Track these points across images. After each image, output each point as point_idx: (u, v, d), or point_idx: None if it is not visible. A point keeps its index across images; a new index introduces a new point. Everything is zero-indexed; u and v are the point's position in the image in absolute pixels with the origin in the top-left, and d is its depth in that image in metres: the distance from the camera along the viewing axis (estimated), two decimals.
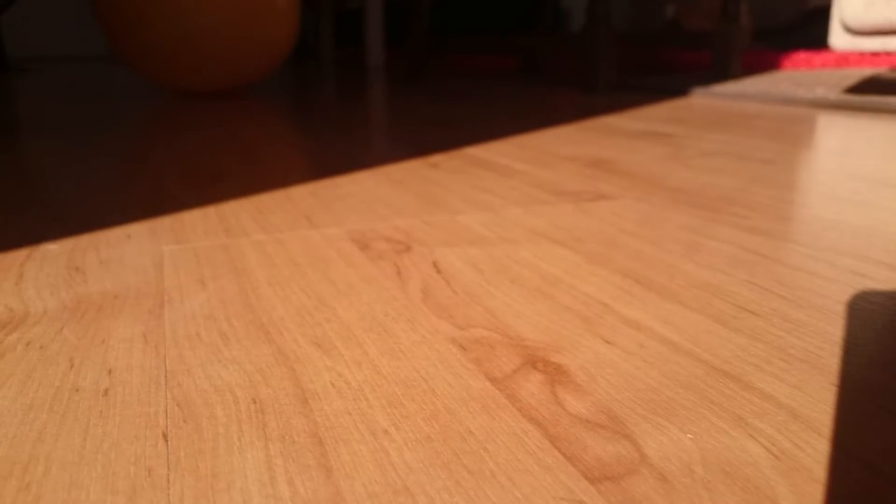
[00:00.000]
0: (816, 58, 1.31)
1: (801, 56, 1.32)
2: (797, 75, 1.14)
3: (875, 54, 1.26)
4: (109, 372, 0.19)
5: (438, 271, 0.27)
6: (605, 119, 0.72)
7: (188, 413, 0.17)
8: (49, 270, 0.28)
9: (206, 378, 0.19)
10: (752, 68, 1.33)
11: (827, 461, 0.14)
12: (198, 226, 0.34)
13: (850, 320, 0.21)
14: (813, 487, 0.13)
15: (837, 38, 1.15)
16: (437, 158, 0.51)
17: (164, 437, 0.16)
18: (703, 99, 0.94)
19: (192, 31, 0.98)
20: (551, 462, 0.14)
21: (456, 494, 0.14)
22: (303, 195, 0.40)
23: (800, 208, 0.34)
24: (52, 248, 0.31)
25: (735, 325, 0.21)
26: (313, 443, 0.15)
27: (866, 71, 1.17)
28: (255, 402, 0.17)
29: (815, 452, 0.15)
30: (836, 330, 0.20)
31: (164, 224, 0.35)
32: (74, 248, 0.31)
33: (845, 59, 1.28)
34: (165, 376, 0.19)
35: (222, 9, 0.98)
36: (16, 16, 2.54)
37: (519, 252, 0.28)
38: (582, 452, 0.15)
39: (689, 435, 0.15)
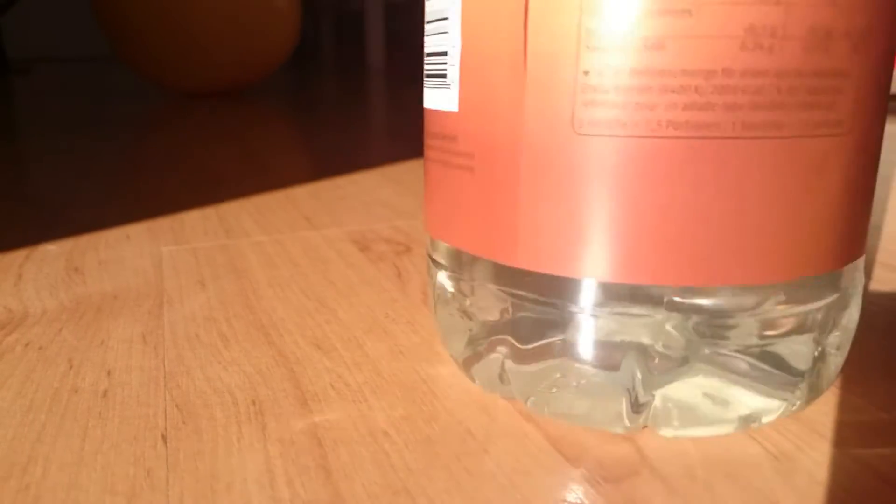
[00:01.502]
0: None
1: None
2: None
3: None
4: (108, 373, 0.19)
5: None
6: None
7: (187, 414, 0.17)
8: (48, 271, 0.28)
9: (206, 379, 0.19)
10: None
11: (828, 463, 0.14)
12: (197, 226, 0.34)
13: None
14: (814, 489, 0.13)
15: None
16: None
17: (164, 438, 0.16)
18: None
19: (193, 32, 0.98)
20: (552, 464, 0.14)
21: (456, 496, 0.13)
22: (303, 196, 0.40)
23: None
24: (51, 249, 0.31)
25: None
26: (313, 444, 0.15)
27: None
28: (254, 403, 0.17)
29: (816, 454, 0.15)
30: None
31: (164, 225, 0.35)
32: (73, 248, 0.31)
33: None
34: (165, 377, 0.19)
35: (222, 9, 0.98)
36: (16, 16, 2.54)
37: None
38: (583, 454, 0.15)
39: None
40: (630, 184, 0.14)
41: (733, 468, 0.14)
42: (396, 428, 0.16)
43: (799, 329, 0.15)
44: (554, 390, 0.15)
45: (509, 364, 0.16)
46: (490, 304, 0.16)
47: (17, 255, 0.30)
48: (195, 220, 0.35)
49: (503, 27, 0.14)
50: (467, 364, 0.17)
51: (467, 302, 0.17)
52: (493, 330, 0.16)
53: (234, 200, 0.40)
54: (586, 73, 0.13)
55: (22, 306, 0.24)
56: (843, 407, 0.16)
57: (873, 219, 0.32)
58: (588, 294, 0.15)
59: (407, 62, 1.77)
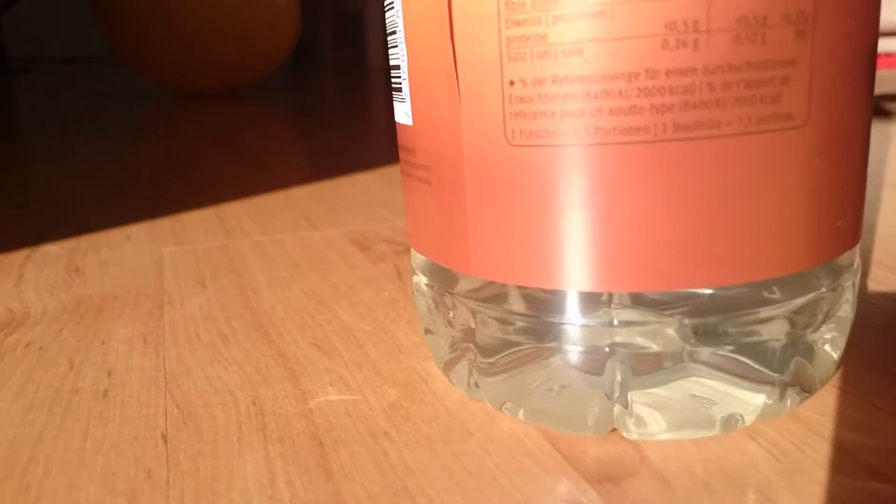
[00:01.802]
0: None
1: None
2: None
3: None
4: (109, 373, 0.19)
5: None
6: None
7: (188, 414, 0.17)
8: (49, 272, 0.28)
9: (206, 379, 0.19)
10: None
11: (827, 463, 0.14)
12: (197, 227, 0.34)
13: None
14: (813, 489, 0.13)
15: None
16: None
17: (164, 438, 0.16)
18: None
19: (193, 32, 0.98)
20: (552, 464, 0.14)
21: (456, 495, 0.14)
22: (303, 196, 0.40)
23: None
24: (52, 250, 0.31)
25: None
26: (313, 444, 0.15)
27: None
28: (254, 403, 0.17)
29: (816, 454, 0.15)
30: None
31: (164, 225, 0.35)
32: (74, 249, 0.31)
33: None
34: (165, 378, 0.19)
35: (222, 9, 0.98)
36: (16, 16, 2.54)
37: None
38: (582, 454, 0.15)
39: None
40: (566, 192, 0.13)
41: (733, 468, 0.14)
42: (396, 428, 0.16)
43: (777, 324, 0.15)
44: (535, 395, 0.15)
45: (476, 370, 0.16)
46: (461, 311, 0.16)
47: (18, 256, 0.30)
48: (195, 221, 0.36)
49: (435, 39, 0.14)
50: (447, 368, 0.17)
51: (448, 311, 0.17)
52: (465, 337, 0.16)
53: (234, 201, 0.40)
54: (511, 83, 0.13)
55: (23, 307, 0.24)
56: (842, 407, 0.16)
57: (868, 218, 0.32)
58: (555, 303, 0.15)
59: None
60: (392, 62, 0.17)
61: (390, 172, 0.47)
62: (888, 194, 0.37)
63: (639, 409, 0.15)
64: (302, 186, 0.43)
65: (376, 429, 0.16)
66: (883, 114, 0.65)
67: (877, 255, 0.27)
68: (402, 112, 0.17)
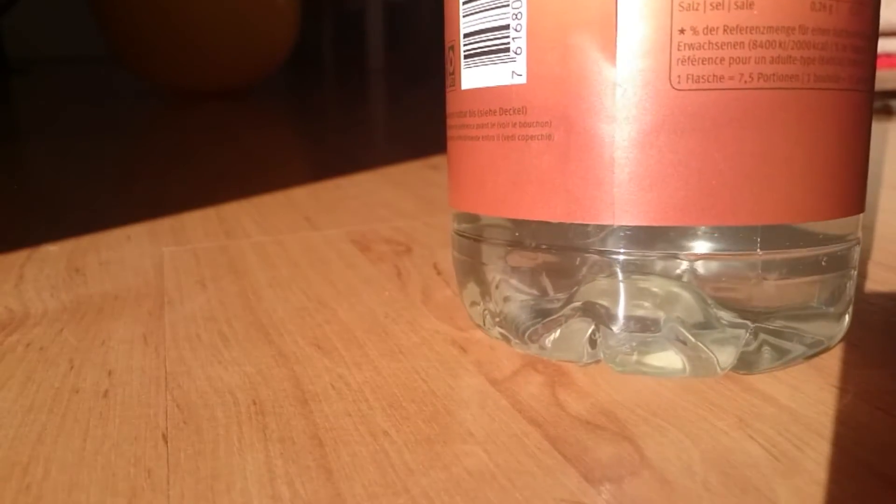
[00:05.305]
0: None
1: None
2: None
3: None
4: (109, 373, 0.19)
5: (439, 273, 0.27)
6: None
7: (188, 415, 0.17)
8: (49, 272, 0.28)
9: (207, 379, 0.19)
10: None
11: (827, 463, 0.14)
12: (198, 227, 0.34)
13: (850, 320, 0.21)
14: (813, 489, 0.13)
15: None
16: (438, 160, 0.52)
17: (164, 438, 0.16)
18: None
19: (192, 32, 0.98)
20: (552, 464, 0.14)
21: (456, 496, 0.14)
22: (303, 196, 0.41)
23: None
24: (53, 250, 0.31)
25: None
26: (313, 444, 0.15)
27: None
28: (255, 403, 0.17)
29: (816, 454, 0.15)
30: None
31: (164, 225, 0.35)
32: (74, 249, 0.31)
33: None
34: (165, 378, 0.19)
35: (222, 9, 0.98)
36: (16, 16, 2.54)
37: None
38: (582, 454, 0.15)
39: (688, 437, 0.15)
40: (727, 133, 0.15)
41: (733, 468, 0.14)
42: (396, 428, 0.16)
43: (840, 261, 0.17)
44: (643, 348, 0.17)
45: (602, 328, 0.17)
46: (561, 268, 0.17)
47: (19, 256, 0.30)
48: (195, 221, 0.36)
49: None
50: (535, 336, 0.18)
51: (529, 274, 0.18)
52: (568, 299, 0.17)
53: (234, 201, 0.40)
54: (682, 31, 0.15)
55: (23, 307, 0.24)
56: (842, 406, 0.16)
57: (867, 219, 0.32)
58: (694, 239, 0.16)
59: (407, 62, 1.77)
60: (484, 26, 0.17)
61: (390, 172, 0.47)
62: (888, 194, 0.37)
63: (758, 346, 0.17)
64: (302, 186, 0.43)
65: (376, 429, 0.16)
66: (886, 112, 0.65)
67: (877, 255, 0.27)
68: (506, 73, 0.17)
